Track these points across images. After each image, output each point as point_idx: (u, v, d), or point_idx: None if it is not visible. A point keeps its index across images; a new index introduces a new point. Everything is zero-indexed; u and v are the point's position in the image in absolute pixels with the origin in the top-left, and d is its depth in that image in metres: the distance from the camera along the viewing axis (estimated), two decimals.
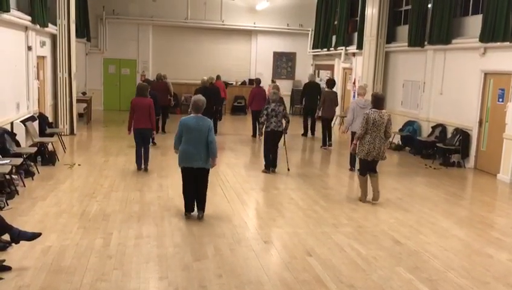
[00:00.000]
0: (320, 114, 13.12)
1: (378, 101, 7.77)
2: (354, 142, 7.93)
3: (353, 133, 9.93)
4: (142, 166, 9.53)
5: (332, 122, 13.36)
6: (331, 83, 13.39)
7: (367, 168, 7.92)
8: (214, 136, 6.64)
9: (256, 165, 10.72)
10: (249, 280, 4.96)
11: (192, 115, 6.65)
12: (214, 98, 13.03)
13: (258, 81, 15.05)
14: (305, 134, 15.07)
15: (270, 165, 9.88)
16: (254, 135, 14.34)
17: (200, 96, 6.73)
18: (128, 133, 9.63)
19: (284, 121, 9.78)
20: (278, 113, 9.64)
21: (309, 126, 14.98)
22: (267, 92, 14.33)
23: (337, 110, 14.66)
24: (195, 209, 6.86)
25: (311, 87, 14.86)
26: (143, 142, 9.49)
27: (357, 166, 9.68)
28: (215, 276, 5.00)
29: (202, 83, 13.49)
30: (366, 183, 7.96)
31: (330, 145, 13.05)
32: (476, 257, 5.85)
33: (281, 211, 7.42)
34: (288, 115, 10.04)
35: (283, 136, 9.89)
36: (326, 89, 13.30)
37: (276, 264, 5.40)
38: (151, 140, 11.32)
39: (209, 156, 6.63)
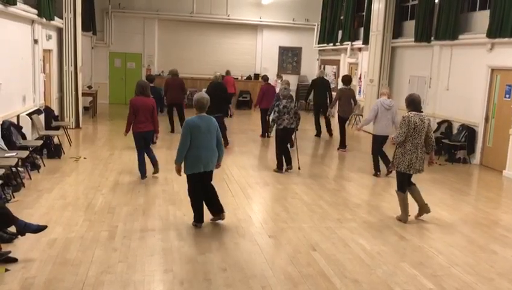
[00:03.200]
0: (333, 113, 12.25)
1: (417, 103, 6.69)
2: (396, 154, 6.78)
3: (375, 137, 9.50)
4: (147, 173, 8.53)
5: (347, 122, 12.36)
6: (347, 79, 12.69)
7: (407, 183, 6.82)
8: (221, 137, 6.30)
9: (262, 160, 10.73)
10: (253, 273, 4.97)
11: (196, 115, 6.07)
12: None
13: (266, 78, 14.26)
14: (318, 134, 13.95)
15: (283, 165, 9.45)
16: (263, 135, 13.40)
17: (203, 94, 6.16)
18: (125, 134, 8.56)
19: (295, 118, 9.33)
20: (290, 109, 9.19)
21: (321, 125, 13.89)
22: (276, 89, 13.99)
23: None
24: (214, 213, 6.41)
25: (319, 83, 14.00)
26: (145, 147, 8.49)
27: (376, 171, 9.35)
28: (219, 269, 5.02)
29: (216, 78, 12.07)
30: (407, 201, 6.81)
31: (344, 149, 12.11)
32: (481, 253, 5.84)
33: (285, 205, 7.42)
34: (299, 111, 9.53)
35: (294, 133, 9.55)
36: (343, 86, 12.56)
37: (281, 259, 5.41)
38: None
39: (216, 158, 6.20)
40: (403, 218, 6.82)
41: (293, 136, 9.81)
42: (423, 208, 6.92)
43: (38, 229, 5.29)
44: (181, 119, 13.31)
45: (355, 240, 6.04)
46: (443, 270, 5.27)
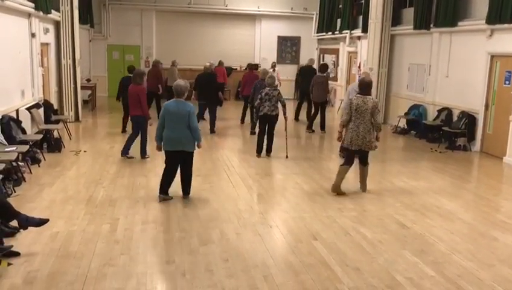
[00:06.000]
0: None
1: (364, 87, 7.39)
2: (339, 129, 7.62)
3: None
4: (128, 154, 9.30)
5: (326, 107, 13.43)
6: (323, 67, 13.66)
7: (351, 157, 7.50)
8: (195, 121, 6.72)
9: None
10: (255, 263, 4.99)
11: (173, 99, 6.76)
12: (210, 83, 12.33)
13: (251, 66, 14.99)
14: (296, 118, 14.90)
15: (261, 149, 9.80)
16: (242, 122, 14.08)
17: (179, 82, 6.80)
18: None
19: (279, 106, 9.62)
20: (271, 97, 9.53)
21: (302, 111, 14.74)
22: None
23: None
24: (182, 193, 6.99)
25: (306, 71, 14.75)
26: (135, 130, 9.28)
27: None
28: (221, 260, 5.04)
29: (205, 69, 12.63)
30: (344, 174, 7.45)
31: (323, 131, 13.07)
32: (482, 240, 5.86)
33: (286, 195, 7.44)
34: (284, 99, 9.73)
35: (284, 122, 9.78)
36: (318, 73, 13.50)
37: (282, 248, 5.43)
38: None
39: (190, 140, 6.71)
40: (335, 188, 7.45)
41: (284, 125, 9.97)
42: (362, 186, 7.70)
43: (40, 222, 5.30)
44: (158, 108, 13.68)
45: (356, 229, 6.06)
46: (444, 258, 5.29)
